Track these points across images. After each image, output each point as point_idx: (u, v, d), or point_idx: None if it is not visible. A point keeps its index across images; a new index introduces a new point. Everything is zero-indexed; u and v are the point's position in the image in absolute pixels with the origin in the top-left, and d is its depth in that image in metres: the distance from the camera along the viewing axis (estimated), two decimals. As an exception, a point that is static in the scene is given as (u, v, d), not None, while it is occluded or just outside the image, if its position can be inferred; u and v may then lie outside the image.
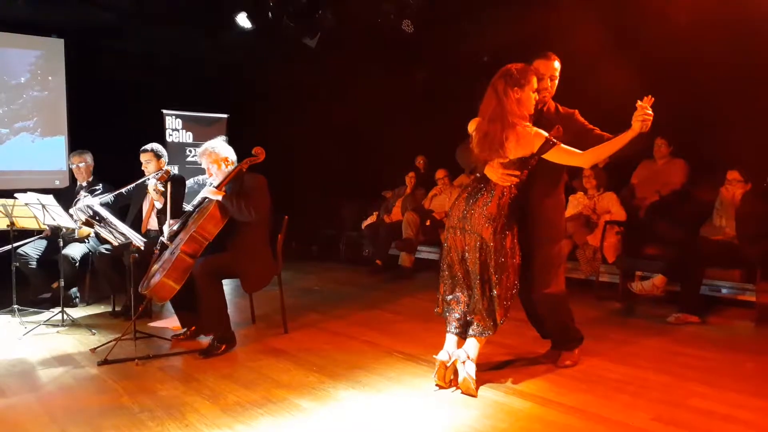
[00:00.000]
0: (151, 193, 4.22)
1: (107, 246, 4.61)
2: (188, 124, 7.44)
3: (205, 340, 3.81)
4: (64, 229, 4.36)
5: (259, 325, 4.32)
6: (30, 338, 4.00)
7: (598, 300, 4.94)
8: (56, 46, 6.74)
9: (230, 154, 3.86)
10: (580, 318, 4.38)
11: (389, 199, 7.13)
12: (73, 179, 5.35)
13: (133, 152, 4.64)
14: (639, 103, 2.76)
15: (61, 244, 4.43)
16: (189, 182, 4.56)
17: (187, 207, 4.02)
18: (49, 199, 4.10)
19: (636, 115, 2.75)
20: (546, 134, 2.85)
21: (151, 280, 3.61)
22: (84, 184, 5.08)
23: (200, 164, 3.94)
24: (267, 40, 7.03)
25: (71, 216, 4.09)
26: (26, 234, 4.75)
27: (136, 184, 4.48)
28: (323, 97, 7.88)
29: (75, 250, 4.79)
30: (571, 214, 5.23)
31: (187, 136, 7.39)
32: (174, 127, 7.34)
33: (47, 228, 4.67)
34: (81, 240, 4.91)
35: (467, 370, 2.87)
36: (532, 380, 3.10)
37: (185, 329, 3.99)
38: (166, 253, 3.67)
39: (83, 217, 3.82)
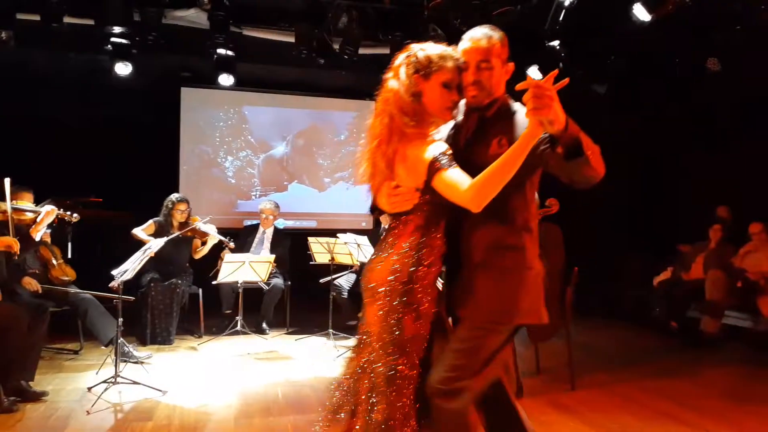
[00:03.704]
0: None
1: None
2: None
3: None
4: (371, 266, 4.97)
5: (544, 377, 4.26)
6: (342, 359, 4.60)
7: None
8: (369, 106, 7.81)
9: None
10: None
11: (687, 253, 6.42)
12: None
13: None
14: (528, 79, 1.60)
15: (369, 279, 5.05)
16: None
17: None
18: (364, 240, 4.72)
19: (525, 99, 1.60)
20: (436, 153, 1.82)
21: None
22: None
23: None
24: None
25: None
26: (340, 268, 5.53)
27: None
28: (614, 145, 7.54)
29: (378, 286, 5.39)
30: None
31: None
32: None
33: (358, 263, 5.35)
34: (383, 277, 5.51)
35: None
36: None
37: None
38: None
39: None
